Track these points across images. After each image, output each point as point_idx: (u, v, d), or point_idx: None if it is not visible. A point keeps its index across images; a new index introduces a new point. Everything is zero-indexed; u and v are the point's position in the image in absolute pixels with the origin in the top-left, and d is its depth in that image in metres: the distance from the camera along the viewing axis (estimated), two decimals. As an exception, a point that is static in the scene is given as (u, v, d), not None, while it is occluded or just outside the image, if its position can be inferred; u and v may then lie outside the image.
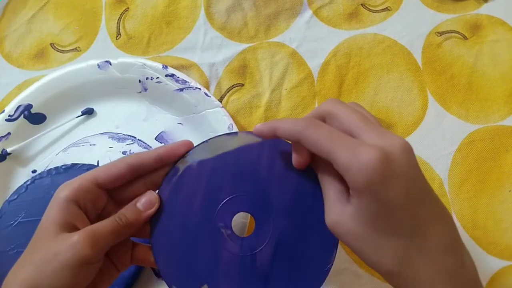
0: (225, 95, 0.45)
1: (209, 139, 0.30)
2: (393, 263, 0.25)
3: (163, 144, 0.43)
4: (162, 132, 0.43)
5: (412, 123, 0.44)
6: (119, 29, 0.48)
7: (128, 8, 0.48)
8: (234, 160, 0.30)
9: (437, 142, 0.43)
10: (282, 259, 0.29)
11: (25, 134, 0.43)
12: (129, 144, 0.43)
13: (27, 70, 0.47)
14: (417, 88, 0.45)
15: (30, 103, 0.43)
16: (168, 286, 0.29)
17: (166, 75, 0.43)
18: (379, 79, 0.45)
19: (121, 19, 0.48)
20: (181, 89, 0.43)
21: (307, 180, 0.29)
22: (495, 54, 0.46)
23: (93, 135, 0.44)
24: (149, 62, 0.43)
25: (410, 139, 0.43)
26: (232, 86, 0.45)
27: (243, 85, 0.46)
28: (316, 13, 0.48)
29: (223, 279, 0.28)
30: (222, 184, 0.29)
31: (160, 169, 0.30)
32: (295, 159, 0.28)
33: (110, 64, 0.43)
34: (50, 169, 0.41)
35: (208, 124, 0.42)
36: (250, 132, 0.30)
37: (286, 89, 0.45)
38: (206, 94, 0.42)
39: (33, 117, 0.43)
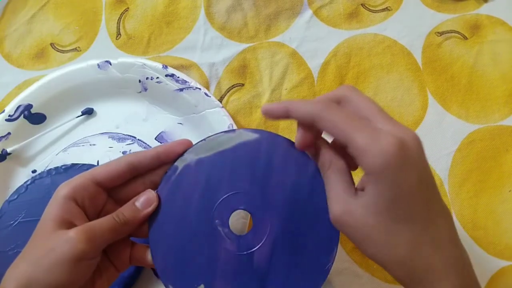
0: (225, 95, 0.45)
1: (207, 137, 0.30)
2: (405, 251, 0.24)
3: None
4: (162, 132, 0.43)
5: (412, 123, 0.44)
6: (119, 29, 0.48)
7: (128, 8, 0.48)
8: (232, 157, 0.30)
9: (437, 142, 0.43)
10: (280, 258, 0.28)
11: (25, 134, 0.43)
12: (129, 144, 0.43)
13: (27, 70, 0.47)
14: (417, 88, 0.45)
15: (30, 103, 0.43)
16: (165, 285, 0.28)
17: (166, 75, 0.43)
18: (379, 79, 0.45)
19: (121, 19, 0.48)
20: (181, 89, 0.43)
21: (305, 177, 0.29)
22: (495, 54, 0.46)
23: (93, 135, 0.44)
24: (149, 62, 0.43)
25: (410, 139, 0.43)
26: (232, 86, 0.45)
27: (243, 85, 0.46)
28: (316, 13, 0.48)
29: (220, 278, 0.28)
30: (220, 182, 0.29)
31: (159, 168, 0.30)
32: (300, 138, 0.28)
33: (110, 64, 0.43)
34: (50, 169, 0.41)
35: (208, 124, 0.42)
36: (248, 129, 0.30)
37: (286, 89, 0.45)
38: (206, 94, 0.42)
39: (33, 117, 0.43)
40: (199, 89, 0.42)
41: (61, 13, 0.49)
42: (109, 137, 0.43)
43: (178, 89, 0.43)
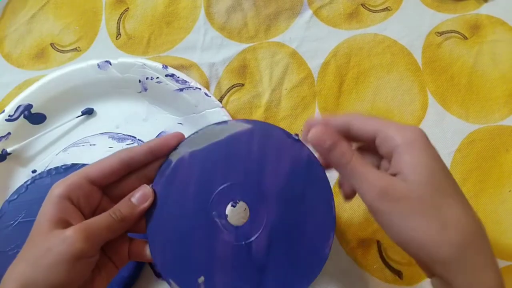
0: (225, 95, 0.45)
1: (200, 129, 0.30)
2: (453, 226, 0.24)
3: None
4: (162, 132, 0.43)
5: (412, 123, 0.44)
6: (119, 29, 0.48)
7: (128, 8, 0.48)
8: (225, 148, 0.29)
9: (437, 142, 0.43)
10: (279, 246, 0.28)
11: (25, 134, 0.43)
12: (129, 144, 0.43)
13: (27, 70, 0.47)
14: (417, 88, 0.45)
15: (30, 103, 0.43)
16: (165, 280, 0.28)
17: (166, 75, 0.43)
18: (379, 79, 0.45)
19: (121, 19, 0.48)
20: (181, 89, 0.43)
21: (300, 165, 0.29)
22: (495, 54, 0.46)
23: (93, 135, 0.44)
24: (149, 62, 0.43)
25: (410, 139, 0.43)
26: (232, 86, 0.45)
27: (243, 85, 0.46)
28: (316, 13, 0.48)
29: (219, 269, 0.28)
30: (215, 174, 0.29)
31: (152, 163, 0.29)
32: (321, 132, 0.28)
33: (110, 64, 0.43)
34: (50, 169, 0.41)
35: (208, 124, 0.42)
36: (241, 120, 0.30)
37: (286, 89, 0.45)
38: (206, 94, 0.42)
39: (33, 117, 0.43)
40: (199, 89, 0.42)
41: (61, 13, 0.49)
42: (109, 137, 0.43)
43: (178, 89, 0.43)
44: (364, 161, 0.26)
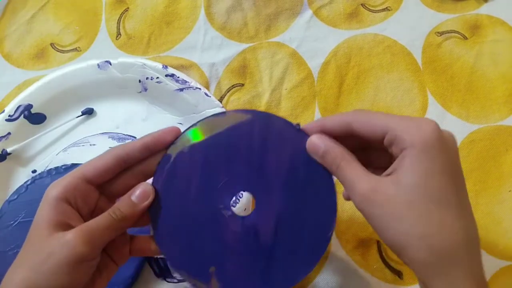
0: (225, 95, 0.45)
1: (197, 121, 0.29)
2: (437, 231, 0.24)
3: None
4: (162, 132, 0.43)
5: (412, 123, 0.44)
6: (119, 29, 0.48)
7: (128, 8, 0.48)
8: (226, 140, 0.29)
9: (437, 142, 0.43)
10: (284, 233, 0.29)
11: (25, 134, 0.43)
12: (129, 144, 0.43)
13: (27, 70, 0.47)
14: (417, 88, 0.45)
15: (30, 103, 0.43)
16: (177, 272, 0.29)
17: (166, 75, 0.43)
18: (379, 79, 0.45)
19: (121, 19, 0.48)
20: (181, 89, 0.43)
21: (301, 152, 0.29)
22: (495, 54, 0.46)
23: (93, 135, 0.44)
24: (149, 62, 0.43)
25: (410, 139, 0.43)
26: (232, 86, 0.45)
27: (243, 85, 0.46)
28: (316, 13, 0.48)
29: (229, 259, 0.29)
30: (217, 166, 0.29)
31: (148, 158, 0.29)
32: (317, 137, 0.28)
33: (110, 64, 0.43)
34: (50, 169, 0.41)
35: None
36: (240, 110, 0.30)
37: (286, 89, 0.45)
38: (206, 94, 0.42)
39: (33, 117, 0.43)
40: (199, 89, 0.42)
41: (61, 13, 0.49)
42: (109, 137, 0.43)
43: (178, 89, 0.43)
44: (353, 164, 0.27)
